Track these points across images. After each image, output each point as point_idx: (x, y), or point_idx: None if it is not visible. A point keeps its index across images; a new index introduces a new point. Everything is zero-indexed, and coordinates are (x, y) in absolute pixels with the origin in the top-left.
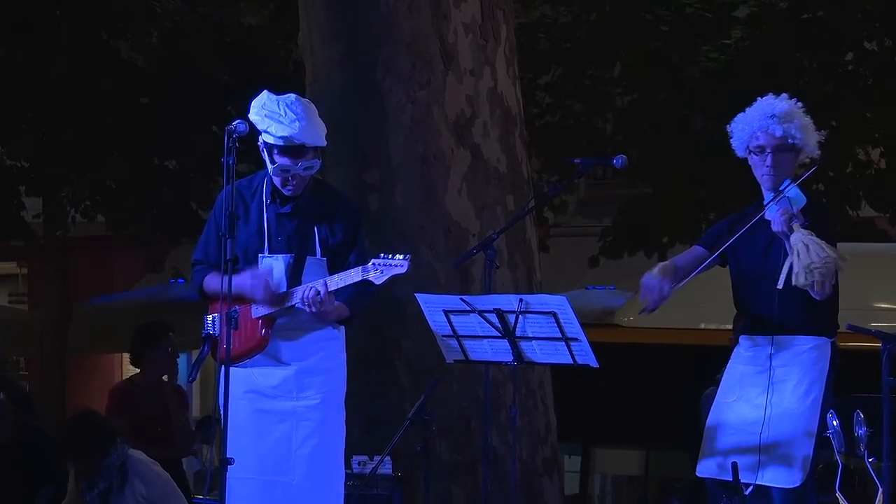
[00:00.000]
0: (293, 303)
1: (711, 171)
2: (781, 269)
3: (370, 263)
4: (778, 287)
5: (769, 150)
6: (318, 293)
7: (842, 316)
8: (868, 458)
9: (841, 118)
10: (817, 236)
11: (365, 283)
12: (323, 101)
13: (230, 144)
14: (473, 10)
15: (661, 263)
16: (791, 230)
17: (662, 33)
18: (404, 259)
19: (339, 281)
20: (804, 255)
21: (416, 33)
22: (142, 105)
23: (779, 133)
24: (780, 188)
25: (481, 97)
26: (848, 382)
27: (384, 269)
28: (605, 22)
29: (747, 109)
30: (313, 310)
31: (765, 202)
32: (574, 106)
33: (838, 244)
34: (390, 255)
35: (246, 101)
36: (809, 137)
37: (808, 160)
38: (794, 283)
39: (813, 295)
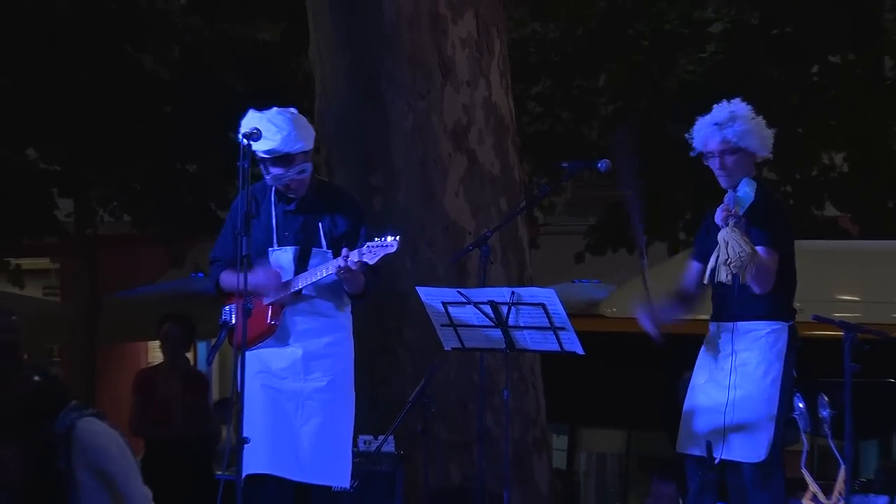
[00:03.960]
0: (299, 287)
1: (688, 174)
2: (707, 266)
3: (364, 247)
4: (704, 282)
5: (716, 154)
6: (351, 260)
7: (807, 307)
8: (831, 438)
9: (807, 125)
10: (755, 228)
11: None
12: (331, 109)
13: (245, 149)
14: (469, 26)
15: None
16: (726, 225)
17: (643, 47)
18: (394, 240)
19: (354, 254)
20: (723, 252)
21: (416, 47)
22: (164, 113)
23: (722, 139)
24: (739, 192)
25: (477, 106)
26: (813, 368)
27: (376, 249)
28: (591, 37)
29: (701, 118)
30: (346, 274)
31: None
32: (562, 114)
33: (804, 241)
34: (382, 238)
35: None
36: (755, 139)
37: (767, 157)
38: (716, 279)
39: (755, 289)
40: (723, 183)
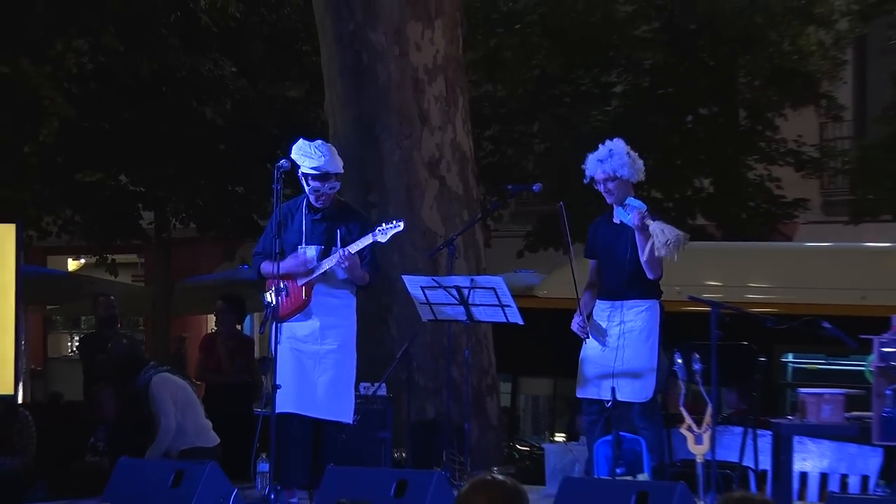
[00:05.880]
0: (324, 270)
1: (597, 195)
2: (646, 246)
3: (376, 229)
4: (644, 259)
5: (601, 182)
6: (345, 254)
7: (684, 290)
8: (702, 384)
9: (683, 159)
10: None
11: (374, 256)
12: (341, 148)
13: (277, 176)
14: (441, 87)
15: (582, 300)
16: (646, 224)
17: (565, 103)
18: (399, 221)
19: (359, 244)
20: (661, 235)
21: (402, 102)
22: (220, 150)
23: (603, 172)
24: (625, 202)
25: (446, 145)
26: (689, 334)
27: (387, 230)
28: (528, 95)
29: (589, 155)
30: (345, 265)
31: (615, 213)
32: (507, 151)
33: None
34: (390, 222)
35: (289, 148)
36: (628, 169)
37: (642, 179)
38: (656, 255)
39: (649, 276)
40: (609, 200)
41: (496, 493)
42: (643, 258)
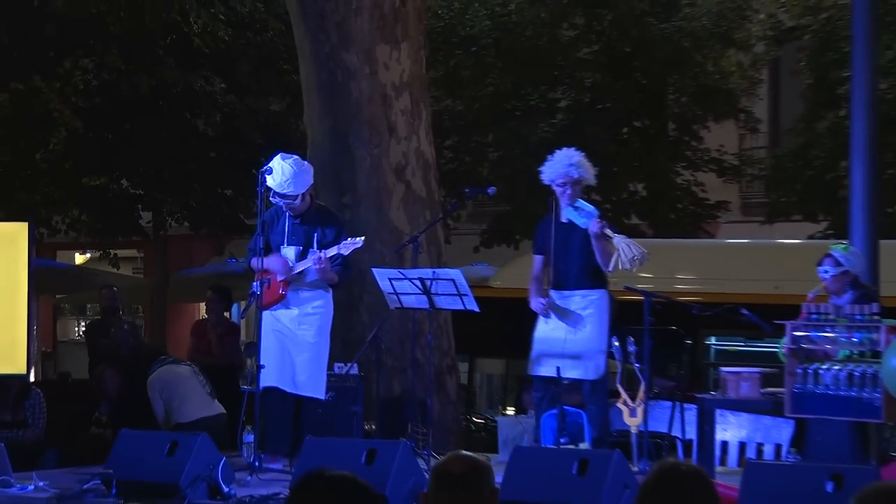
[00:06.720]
0: (300, 270)
1: (546, 195)
2: (611, 259)
3: (341, 242)
4: (608, 270)
5: (569, 185)
6: (321, 257)
7: (620, 281)
8: (636, 363)
9: (620, 166)
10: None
11: (342, 260)
12: (318, 155)
13: (261, 181)
14: (406, 102)
15: (534, 288)
16: (605, 233)
17: (516, 116)
18: (360, 239)
19: (329, 252)
20: (628, 251)
21: (373, 115)
22: (211, 158)
23: (575, 175)
24: (576, 204)
25: (411, 153)
26: (624, 319)
27: (347, 245)
28: (483, 109)
29: (552, 158)
30: (318, 266)
31: (563, 213)
32: (465, 158)
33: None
34: (352, 238)
35: (271, 156)
36: (592, 175)
37: (591, 183)
38: (620, 267)
39: (606, 270)
40: (565, 202)
41: (468, 462)
42: (608, 267)
